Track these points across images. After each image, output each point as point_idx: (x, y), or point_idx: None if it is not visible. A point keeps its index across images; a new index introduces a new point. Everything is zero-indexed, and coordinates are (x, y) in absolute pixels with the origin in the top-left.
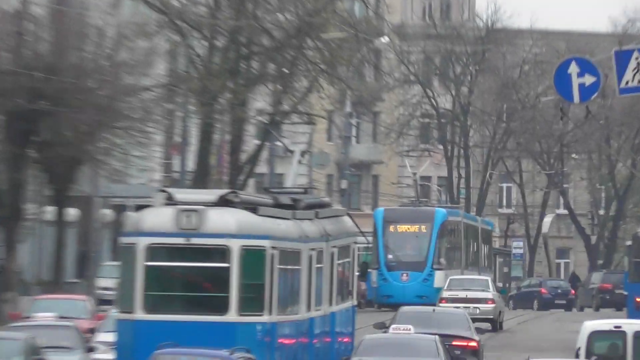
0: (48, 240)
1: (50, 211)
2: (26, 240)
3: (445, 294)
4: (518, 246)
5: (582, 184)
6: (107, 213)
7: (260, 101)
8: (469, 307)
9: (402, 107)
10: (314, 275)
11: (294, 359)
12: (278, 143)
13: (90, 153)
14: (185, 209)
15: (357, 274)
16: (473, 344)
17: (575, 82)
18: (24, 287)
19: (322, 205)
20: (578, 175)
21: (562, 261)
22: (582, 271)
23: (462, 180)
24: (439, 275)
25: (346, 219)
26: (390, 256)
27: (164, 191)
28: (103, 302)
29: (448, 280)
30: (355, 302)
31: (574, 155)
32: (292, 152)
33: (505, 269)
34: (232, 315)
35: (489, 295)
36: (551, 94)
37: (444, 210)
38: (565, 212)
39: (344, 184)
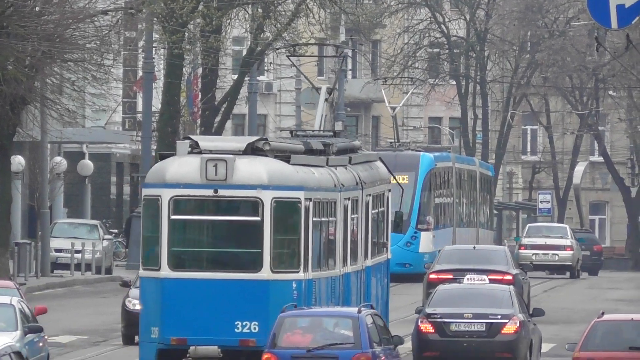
0: None
1: None
2: None
3: (525, 240)
4: (545, 199)
5: (620, 126)
6: (60, 161)
7: (237, 27)
8: (547, 254)
9: (406, 34)
10: (349, 227)
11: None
12: (259, 78)
13: (37, 90)
14: (212, 158)
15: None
16: (508, 277)
17: (613, 3)
18: None
19: (354, 150)
20: (616, 115)
21: (596, 217)
22: (620, 228)
23: (479, 122)
24: (425, 238)
25: (379, 164)
26: None
27: (188, 138)
28: (58, 266)
29: (526, 227)
30: (390, 255)
31: (611, 92)
32: (317, 89)
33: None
34: (265, 273)
35: (567, 242)
36: (584, 19)
37: (430, 155)
38: (601, 159)
39: (338, 126)
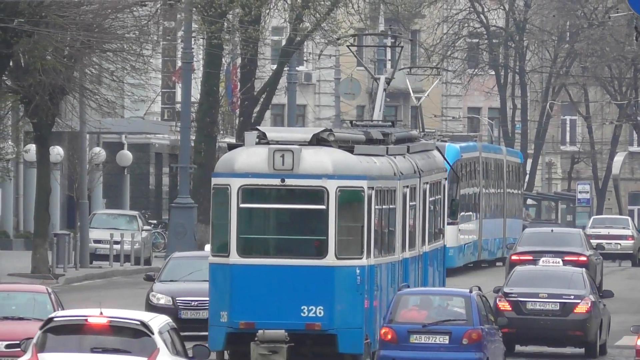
0: (29, 184)
1: (31, 150)
2: (3, 185)
3: (590, 231)
4: (584, 190)
5: None
6: (99, 151)
7: (276, 17)
8: (610, 243)
9: (445, 24)
10: (407, 214)
11: (389, 302)
12: (298, 68)
13: (75, 80)
14: (280, 149)
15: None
16: (583, 258)
17: None
18: (1, 241)
19: (411, 139)
20: None
21: (635, 207)
22: None
23: (518, 112)
24: (450, 232)
25: (436, 153)
26: None
27: (255, 129)
28: (97, 257)
29: (591, 219)
30: (446, 242)
31: None
32: (377, 80)
33: (569, 217)
34: (330, 259)
35: (629, 232)
36: (623, 9)
37: (455, 146)
38: None
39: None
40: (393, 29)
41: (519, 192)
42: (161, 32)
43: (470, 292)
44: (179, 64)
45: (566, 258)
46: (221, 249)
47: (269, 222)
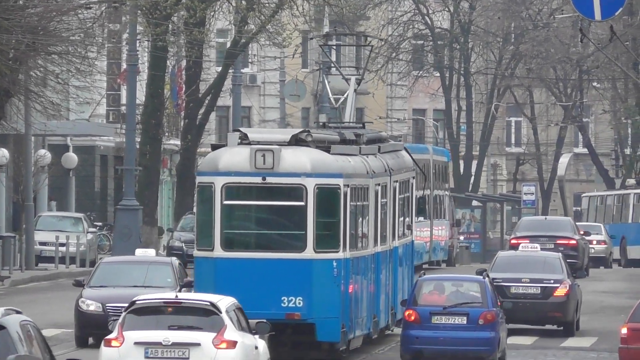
0: None
1: None
2: None
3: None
4: (529, 191)
5: (604, 118)
6: (44, 154)
7: (221, 20)
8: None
9: (390, 26)
10: (379, 211)
11: (364, 294)
12: (243, 70)
13: (20, 83)
14: (261, 149)
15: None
16: (573, 242)
17: None
18: None
19: (381, 140)
20: (600, 107)
21: (580, 208)
22: None
23: (463, 114)
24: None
25: (404, 153)
26: None
27: (237, 131)
28: (42, 259)
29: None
30: (413, 237)
31: (595, 84)
32: (347, 80)
33: (514, 219)
34: (309, 252)
35: (601, 237)
36: (568, 10)
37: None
38: (585, 151)
39: (322, 118)
40: (338, 31)
41: (446, 192)
42: (106, 35)
43: (483, 277)
44: (124, 66)
45: (558, 241)
46: (205, 243)
47: (251, 217)
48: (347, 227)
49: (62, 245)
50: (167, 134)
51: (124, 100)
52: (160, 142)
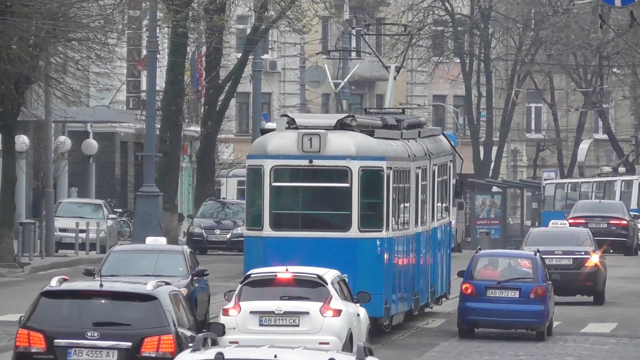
0: None
1: None
2: None
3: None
4: (549, 177)
5: (624, 104)
6: (64, 140)
7: (241, 6)
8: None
9: (410, 12)
10: (419, 192)
11: (405, 272)
12: (263, 56)
13: (41, 70)
14: (308, 133)
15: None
16: (624, 222)
17: None
18: None
19: (421, 125)
20: (620, 93)
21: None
22: None
23: (483, 100)
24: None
25: (442, 137)
26: None
27: (286, 116)
28: (62, 245)
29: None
30: (451, 219)
31: (615, 70)
32: (387, 68)
33: (534, 204)
34: (354, 232)
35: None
36: None
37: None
38: (605, 137)
39: (343, 105)
40: (358, 17)
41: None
42: (126, 21)
43: (535, 254)
44: (144, 52)
45: (611, 222)
46: (255, 223)
47: (298, 198)
48: (389, 208)
49: (82, 231)
50: (187, 120)
51: (144, 87)
52: (180, 129)
